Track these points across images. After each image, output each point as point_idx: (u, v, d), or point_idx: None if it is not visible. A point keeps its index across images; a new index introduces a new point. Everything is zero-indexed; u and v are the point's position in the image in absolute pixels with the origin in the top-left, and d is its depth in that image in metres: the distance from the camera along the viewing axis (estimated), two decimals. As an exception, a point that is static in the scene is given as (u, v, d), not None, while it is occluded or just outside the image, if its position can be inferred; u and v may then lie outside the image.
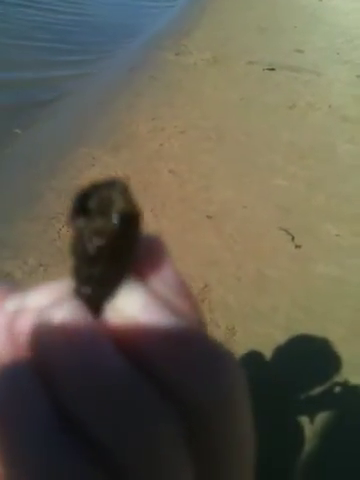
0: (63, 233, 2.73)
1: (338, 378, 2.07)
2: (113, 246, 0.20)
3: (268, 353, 2.18)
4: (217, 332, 2.24)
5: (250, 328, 2.30)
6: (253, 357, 2.19)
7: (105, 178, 0.21)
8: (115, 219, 0.19)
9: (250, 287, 2.55)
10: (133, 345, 0.20)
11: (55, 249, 2.62)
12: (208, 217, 3.00)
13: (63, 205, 2.95)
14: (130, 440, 0.18)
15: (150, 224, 2.87)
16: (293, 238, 2.90)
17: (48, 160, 3.52)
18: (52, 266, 2.50)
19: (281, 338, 2.26)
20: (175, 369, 0.19)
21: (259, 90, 5.03)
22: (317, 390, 2.04)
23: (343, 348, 2.18)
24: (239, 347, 2.18)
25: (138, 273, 0.22)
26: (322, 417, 1.94)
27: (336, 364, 2.11)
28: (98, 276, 0.20)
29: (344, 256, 2.81)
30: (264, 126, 4.26)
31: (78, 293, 0.21)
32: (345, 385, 2.03)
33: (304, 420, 1.93)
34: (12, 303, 0.22)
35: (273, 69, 5.59)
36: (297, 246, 2.85)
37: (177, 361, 0.19)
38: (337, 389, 2.03)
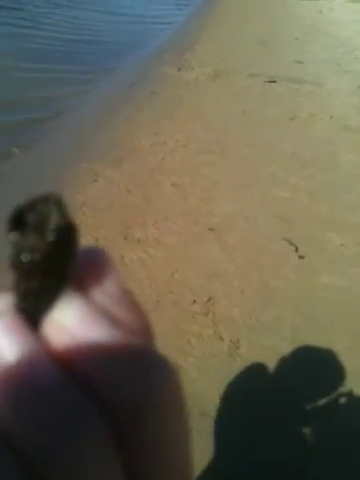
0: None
1: (343, 388, 2.04)
2: (48, 261, 0.20)
3: (273, 365, 2.16)
4: (221, 345, 2.22)
5: (255, 341, 2.28)
6: (258, 369, 2.16)
7: (41, 193, 0.21)
8: (49, 235, 0.20)
9: (254, 299, 2.53)
10: (68, 356, 0.20)
11: (58, 265, 2.62)
12: (210, 229, 3.00)
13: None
14: (58, 454, 0.18)
15: (152, 237, 2.87)
16: (296, 249, 2.88)
17: (51, 176, 3.54)
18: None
19: (286, 350, 2.23)
20: (108, 378, 0.19)
21: (260, 102, 5.05)
22: (322, 401, 2.01)
23: (348, 358, 2.16)
24: (244, 360, 2.16)
25: (79, 286, 0.22)
26: (327, 428, 1.91)
27: (341, 374, 2.09)
28: (35, 290, 0.21)
29: (348, 265, 2.79)
30: (266, 138, 4.27)
31: (18, 306, 0.21)
32: (350, 395, 2.00)
33: (309, 430, 1.91)
34: None
35: (274, 81, 5.63)
36: (301, 257, 2.83)
37: (110, 371, 0.20)
38: (342, 399, 2.00)
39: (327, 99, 5.25)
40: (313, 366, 2.19)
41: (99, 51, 6.94)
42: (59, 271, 0.21)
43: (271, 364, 2.16)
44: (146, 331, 0.23)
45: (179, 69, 5.86)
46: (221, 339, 2.26)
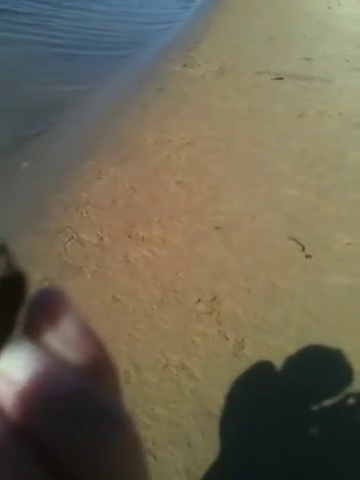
0: (69, 247, 2.71)
1: (351, 390, 2.01)
2: None
3: (279, 366, 2.13)
4: (226, 345, 2.19)
5: (260, 341, 2.25)
6: (263, 370, 2.13)
7: None
8: None
9: (260, 299, 2.50)
10: (15, 412, 0.19)
11: (62, 263, 2.60)
12: (216, 228, 2.96)
13: (70, 219, 2.94)
14: None
15: (157, 236, 2.84)
16: (303, 248, 2.84)
17: (55, 174, 3.53)
18: (58, 280, 2.48)
19: (293, 350, 2.20)
20: (57, 437, 0.19)
21: (268, 100, 5.00)
22: (329, 402, 1.98)
23: (357, 359, 2.12)
24: (249, 360, 2.13)
25: (30, 331, 0.21)
26: (334, 429, 1.88)
27: (349, 375, 2.05)
28: None
29: (356, 265, 2.74)
30: (273, 135, 4.22)
31: None
32: (358, 397, 1.96)
33: (315, 432, 1.87)
34: None
35: (281, 78, 5.57)
36: (308, 256, 2.79)
37: (59, 428, 0.19)
38: (350, 401, 1.97)
39: (336, 96, 5.19)
40: (320, 367, 2.15)
41: (104, 49, 6.91)
42: (6, 319, 0.20)
43: (277, 364, 2.12)
44: (105, 372, 0.23)
45: (185, 66, 5.82)
46: (226, 339, 2.23)
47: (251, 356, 2.15)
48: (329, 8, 8.98)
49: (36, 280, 2.48)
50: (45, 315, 0.22)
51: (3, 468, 0.18)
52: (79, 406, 0.20)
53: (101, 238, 2.79)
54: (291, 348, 2.21)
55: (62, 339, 0.21)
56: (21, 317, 0.21)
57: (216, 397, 1.96)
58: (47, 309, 0.22)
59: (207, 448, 1.77)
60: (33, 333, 0.21)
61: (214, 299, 2.44)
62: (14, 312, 0.21)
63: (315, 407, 1.98)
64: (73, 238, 2.78)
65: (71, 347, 0.21)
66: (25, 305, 0.21)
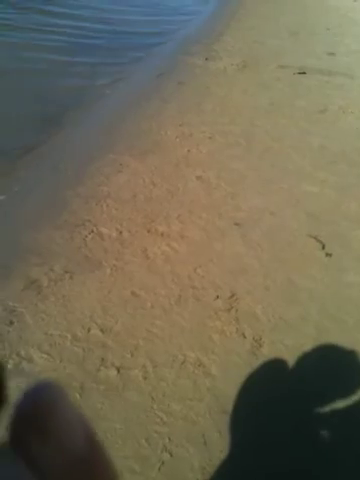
0: (89, 240, 2.72)
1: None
2: None
3: (296, 365, 2.11)
4: (243, 343, 2.18)
5: (278, 339, 2.23)
6: (280, 368, 2.12)
7: None
8: None
9: (278, 296, 2.48)
10: None
11: (81, 256, 2.61)
12: (236, 224, 2.95)
13: (90, 212, 2.95)
14: None
15: (176, 231, 2.84)
16: (323, 246, 2.81)
17: (75, 167, 3.54)
18: (78, 274, 2.49)
19: (310, 349, 2.18)
20: None
21: (289, 94, 4.95)
22: (345, 403, 1.96)
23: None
24: (266, 359, 2.12)
25: (17, 439, 0.20)
26: (351, 430, 1.86)
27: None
28: None
29: (377, 265, 2.70)
30: (294, 131, 4.18)
31: None
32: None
33: (331, 432, 1.86)
34: None
35: (304, 73, 5.50)
36: (327, 254, 2.76)
37: None
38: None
39: (358, 92, 5.10)
40: (337, 367, 2.13)
41: (127, 42, 6.89)
42: None
43: (294, 363, 2.11)
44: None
45: (207, 59, 5.78)
46: (244, 336, 2.22)
47: (268, 355, 2.14)
48: (355, 1, 8.82)
49: (56, 273, 2.50)
50: (33, 420, 0.20)
51: None
52: None
53: (120, 232, 2.80)
54: (308, 347, 2.19)
55: (49, 449, 0.20)
56: (9, 418, 0.20)
57: (233, 395, 1.95)
58: (37, 414, 0.20)
59: (223, 447, 1.77)
60: (19, 439, 0.20)
61: (232, 296, 2.43)
62: None
63: (331, 406, 1.96)
64: (93, 232, 2.79)
65: (57, 459, 0.20)
66: (17, 404, 0.20)
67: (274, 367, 2.12)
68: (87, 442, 0.21)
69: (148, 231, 2.83)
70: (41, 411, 0.20)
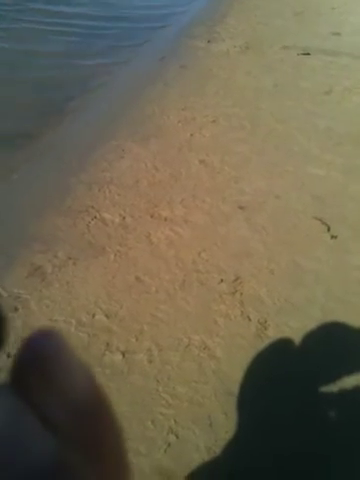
0: (92, 226, 2.72)
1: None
2: None
3: (301, 347, 2.11)
4: (248, 326, 2.18)
5: (283, 322, 2.23)
6: (285, 350, 2.12)
7: None
8: None
9: (284, 279, 2.47)
10: None
11: (85, 243, 2.61)
12: (240, 208, 2.93)
13: (93, 198, 2.95)
14: None
15: (180, 216, 2.83)
16: (329, 228, 2.79)
17: (78, 153, 3.52)
18: (82, 260, 2.49)
19: (315, 331, 2.18)
20: None
21: (294, 76, 4.88)
22: (351, 384, 1.96)
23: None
24: (271, 341, 2.12)
25: (19, 380, 0.20)
26: (356, 412, 1.86)
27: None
28: None
29: (383, 246, 2.68)
30: (299, 113, 4.13)
31: None
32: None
33: (336, 414, 1.86)
34: None
35: (308, 54, 5.41)
36: (333, 236, 2.74)
37: None
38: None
39: (364, 72, 5.02)
40: (342, 349, 2.12)
41: (129, 25, 6.82)
42: None
43: (299, 346, 2.11)
44: (95, 436, 0.21)
45: (209, 42, 5.71)
46: (248, 319, 2.22)
47: (274, 337, 2.14)
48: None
49: (60, 259, 2.50)
50: (36, 365, 0.20)
51: None
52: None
53: (124, 218, 2.79)
54: (314, 329, 2.19)
55: (52, 395, 0.20)
56: (12, 362, 0.20)
57: (238, 377, 1.96)
58: (39, 358, 0.20)
59: (228, 428, 1.77)
60: (20, 383, 0.20)
61: (237, 279, 2.43)
62: None
63: (336, 388, 1.96)
64: (96, 218, 2.78)
65: (59, 407, 0.20)
66: (18, 351, 0.20)
67: (279, 349, 2.12)
68: (91, 395, 0.21)
69: (151, 216, 2.82)
70: (43, 356, 0.20)
